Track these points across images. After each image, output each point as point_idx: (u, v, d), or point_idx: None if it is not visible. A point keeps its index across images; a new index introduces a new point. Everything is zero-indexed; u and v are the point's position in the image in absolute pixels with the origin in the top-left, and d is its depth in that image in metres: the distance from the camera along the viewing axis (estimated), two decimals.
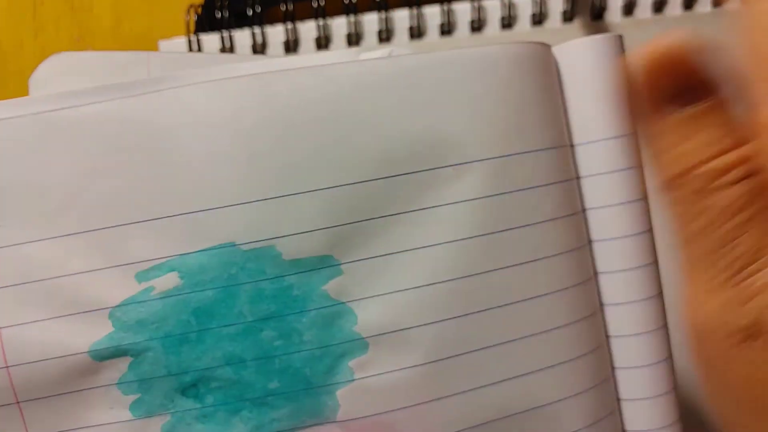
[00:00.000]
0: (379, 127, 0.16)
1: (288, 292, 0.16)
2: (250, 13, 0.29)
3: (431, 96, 0.16)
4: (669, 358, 0.19)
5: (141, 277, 0.16)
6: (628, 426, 0.19)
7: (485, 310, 0.17)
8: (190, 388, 0.16)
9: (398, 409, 0.17)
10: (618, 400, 0.19)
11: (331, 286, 0.16)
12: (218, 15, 0.29)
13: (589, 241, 0.18)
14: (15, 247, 0.16)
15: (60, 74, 0.17)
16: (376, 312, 0.16)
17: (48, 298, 0.16)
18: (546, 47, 0.18)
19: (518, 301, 0.17)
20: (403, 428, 0.17)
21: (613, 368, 0.19)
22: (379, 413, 0.17)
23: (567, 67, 0.18)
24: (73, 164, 0.16)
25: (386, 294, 0.16)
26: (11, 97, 0.16)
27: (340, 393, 0.16)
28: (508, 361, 0.17)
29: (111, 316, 0.16)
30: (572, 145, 0.18)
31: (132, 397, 0.16)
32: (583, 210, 0.18)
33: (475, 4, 0.29)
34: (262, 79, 0.16)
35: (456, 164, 0.17)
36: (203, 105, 0.16)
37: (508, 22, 0.29)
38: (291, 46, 0.29)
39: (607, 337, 0.19)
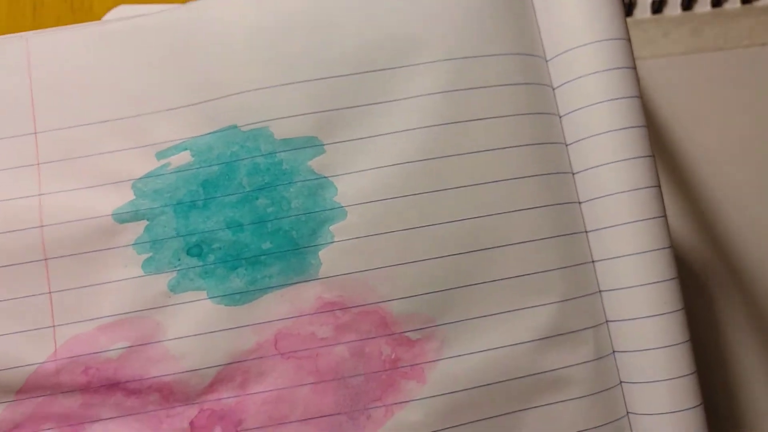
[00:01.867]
0: (357, 32, 0.20)
1: (279, 166, 0.19)
2: None
3: (402, 6, 0.20)
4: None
5: (160, 155, 0.19)
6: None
7: (452, 188, 0.20)
8: (195, 248, 0.19)
9: (372, 269, 0.19)
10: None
11: (315, 163, 0.19)
12: None
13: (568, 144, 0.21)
14: (61, 131, 0.19)
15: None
16: (353, 185, 0.19)
17: (84, 171, 0.19)
18: None
19: (481, 183, 0.20)
20: (376, 285, 0.19)
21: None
22: (355, 271, 0.19)
23: None
24: (114, 64, 0.20)
25: (363, 171, 0.19)
26: None
27: (322, 253, 0.19)
28: (470, 233, 0.20)
29: (133, 186, 0.19)
30: (546, 60, 0.21)
31: (144, 256, 0.19)
32: (560, 114, 0.21)
33: None
34: None
35: (424, 63, 0.20)
36: (220, 14, 0.20)
37: None
38: None
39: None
